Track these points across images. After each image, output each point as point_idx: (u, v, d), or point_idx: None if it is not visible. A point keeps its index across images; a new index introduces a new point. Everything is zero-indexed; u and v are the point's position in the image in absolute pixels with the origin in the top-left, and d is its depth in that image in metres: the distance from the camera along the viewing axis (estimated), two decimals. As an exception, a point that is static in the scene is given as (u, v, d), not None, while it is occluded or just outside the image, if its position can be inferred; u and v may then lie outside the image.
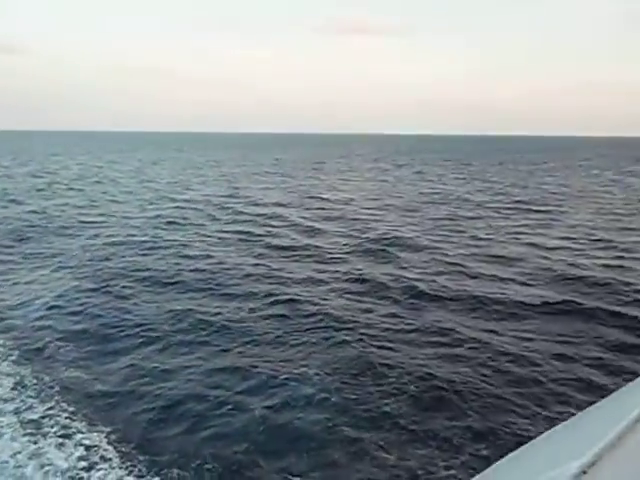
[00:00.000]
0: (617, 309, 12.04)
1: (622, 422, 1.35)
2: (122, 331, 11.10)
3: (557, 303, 12.44)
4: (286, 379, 8.87)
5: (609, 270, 15.30)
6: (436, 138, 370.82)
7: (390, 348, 10.04)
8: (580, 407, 7.74)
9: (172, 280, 14.58)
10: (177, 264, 16.23)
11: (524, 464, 1.52)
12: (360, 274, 15.04)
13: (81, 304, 12.77)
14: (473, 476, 1.57)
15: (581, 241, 19.54)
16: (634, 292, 13.24)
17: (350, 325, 11.12)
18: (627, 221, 24.08)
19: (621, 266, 15.76)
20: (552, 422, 7.36)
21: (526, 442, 1.75)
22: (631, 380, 2.17)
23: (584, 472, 1.18)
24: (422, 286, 13.76)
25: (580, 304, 12.32)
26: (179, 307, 12.37)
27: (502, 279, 14.60)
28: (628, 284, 13.82)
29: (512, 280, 14.47)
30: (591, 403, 2.11)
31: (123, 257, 17.23)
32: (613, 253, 17.52)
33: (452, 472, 6.55)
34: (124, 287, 13.97)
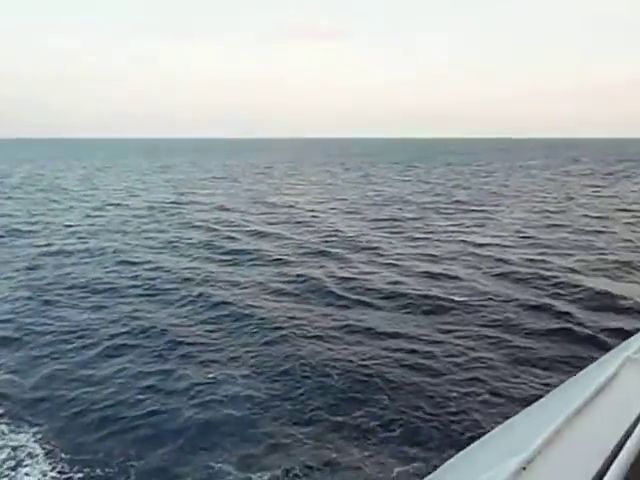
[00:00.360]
0: (537, 300, 12.84)
1: (560, 418, 1.39)
2: (54, 338, 11.06)
3: (482, 296, 13.16)
4: (215, 379, 9.11)
5: (532, 264, 16.22)
6: (387, 141, 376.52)
7: (319, 345, 10.38)
8: (508, 398, 8.37)
9: (108, 286, 14.54)
10: (115, 271, 16.19)
11: (472, 463, 1.53)
12: (298, 275, 15.39)
13: (12, 312, 12.62)
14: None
15: (511, 238, 20.55)
16: (553, 285, 14.13)
17: (283, 325, 11.43)
18: (556, 218, 25.41)
19: (543, 260, 16.73)
20: (474, 413, 7.93)
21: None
22: (570, 373, 2.43)
23: (523, 468, 1.21)
24: (356, 285, 14.24)
25: (504, 296, 13.09)
26: (113, 313, 12.40)
27: (434, 276, 15.25)
28: (548, 278, 14.73)
29: (444, 276, 15.14)
30: (529, 398, 2.44)
31: (60, 265, 17.02)
32: (538, 249, 18.51)
33: (371, 460, 6.95)
34: (58, 295, 13.85)
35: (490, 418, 7.70)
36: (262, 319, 11.79)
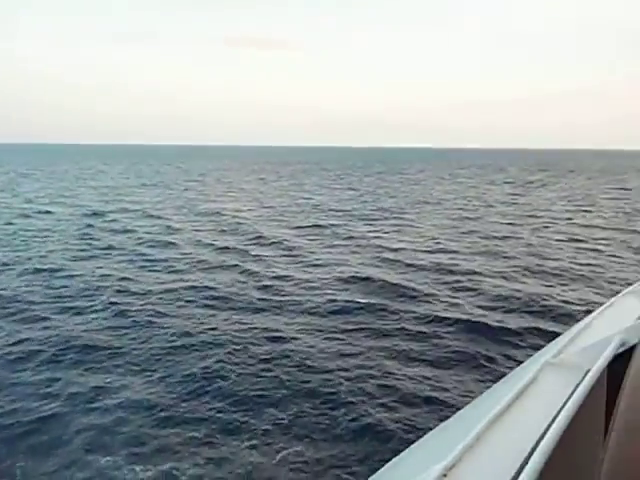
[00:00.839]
0: (442, 303, 13.60)
1: (482, 423, 1.39)
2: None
3: (388, 299, 13.78)
4: (113, 385, 9.16)
5: (440, 268, 17.11)
6: (325, 149, 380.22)
7: (226, 350, 10.57)
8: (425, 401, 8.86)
9: (14, 293, 14.20)
10: (26, 279, 15.78)
11: (400, 471, 1.52)
12: (214, 281, 15.57)
13: None
14: None
15: (426, 243, 21.50)
16: (456, 289, 14.98)
17: (192, 330, 11.58)
18: (471, 225, 26.77)
19: (451, 264, 17.67)
20: (392, 424, 8.36)
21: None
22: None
23: (444, 475, 1.21)
24: (270, 290, 14.62)
25: (408, 299, 13.80)
26: (19, 321, 12.18)
27: (346, 280, 15.78)
28: (451, 282, 15.59)
29: (356, 279, 15.71)
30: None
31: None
32: (448, 254, 19.47)
33: (262, 461, 7.26)
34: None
35: (402, 425, 8.12)
36: (171, 326, 11.88)
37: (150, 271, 17.19)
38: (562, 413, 1.34)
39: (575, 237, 23.41)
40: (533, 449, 1.23)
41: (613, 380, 1.62)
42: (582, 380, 1.56)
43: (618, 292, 2.84)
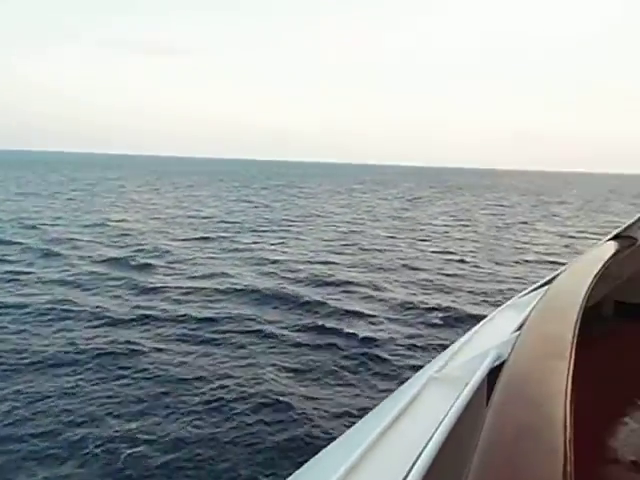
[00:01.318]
0: (318, 311, 14.06)
1: (367, 441, 1.37)
2: None
3: (264, 311, 14.04)
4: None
5: (315, 278, 17.66)
6: (229, 161, 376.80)
7: (76, 369, 10.24)
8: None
9: None
10: None
11: None
12: (74, 296, 14.97)
13: None
14: None
15: (307, 255, 22.05)
16: (329, 299, 15.54)
17: (43, 349, 11.08)
18: (353, 238, 27.80)
19: (331, 275, 18.29)
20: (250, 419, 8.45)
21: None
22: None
23: None
24: (143, 304, 14.32)
25: (282, 310, 14.10)
26: None
27: (220, 291, 15.84)
28: (326, 292, 16.16)
29: (232, 290, 15.82)
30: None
31: None
32: (325, 266, 20.12)
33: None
34: None
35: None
36: (23, 342, 11.33)
37: (13, 283, 16.20)
38: (440, 428, 1.36)
39: (447, 249, 25.09)
40: (414, 463, 1.23)
41: (491, 393, 1.61)
42: (461, 393, 1.59)
43: (499, 304, 2.97)
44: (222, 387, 9.38)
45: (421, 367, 2.23)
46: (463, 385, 1.66)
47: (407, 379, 2.14)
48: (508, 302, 3.03)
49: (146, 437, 7.88)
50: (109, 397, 9.07)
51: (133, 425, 8.20)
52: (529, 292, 3.27)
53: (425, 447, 1.27)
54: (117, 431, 8.00)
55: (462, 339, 2.30)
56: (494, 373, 1.67)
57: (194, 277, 17.77)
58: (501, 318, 2.62)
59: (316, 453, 1.60)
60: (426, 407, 1.61)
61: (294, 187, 79.46)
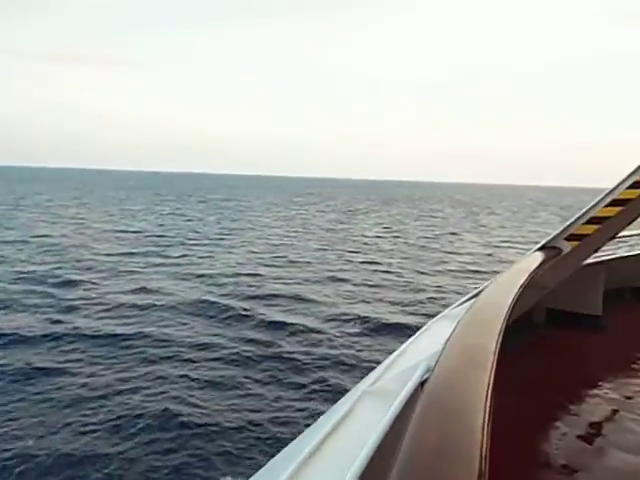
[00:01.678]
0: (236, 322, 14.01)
1: (301, 457, 1.38)
2: None
3: (182, 328, 13.90)
4: None
5: (240, 294, 17.64)
6: (168, 175, 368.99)
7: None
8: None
9: None
10: None
11: None
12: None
13: None
14: None
15: (233, 269, 21.95)
16: (254, 312, 15.55)
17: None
18: (284, 249, 27.97)
19: (258, 287, 18.31)
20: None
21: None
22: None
23: None
24: (41, 325, 13.86)
25: (204, 325, 13.99)
26: None
27: (138, 306, 15.57)
28: (242, 308, 16.17)
29: (151, 306, 15.56)
30: None
31: None
32: (254, 278, 20.14)
33: None
34: None
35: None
36: None
37: None
38: (370, 441, 1.38)
39: (375, 260, 25.66)
40: (346, 477, 1.25)
41: None
42: (392, 406, 1.61)
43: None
44: (125, 404, 9.23)
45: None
46: (394, 398, 1.68)
47: (338, 393, 2.24)
48: (442, 313, 3.11)
49: (42, 457, 7.67)
50: (8, 419, 8.77)
51: (30, 443, 7.96)
52: (463, 302, 3.41)
53: (355, 461, 1.29)
54: (10, 450, 7.74)
55: (396, 352, 2.33)
56: (425, 384, 1.68)
57: (115, 292, 17.36)
58: (434, 329, 2.69)
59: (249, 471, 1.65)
60: (358, 421, 1.63)
61: (233, 200, 78.94)
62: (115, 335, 12.97)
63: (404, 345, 2.42)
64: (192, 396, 9.79)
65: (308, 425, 1.81)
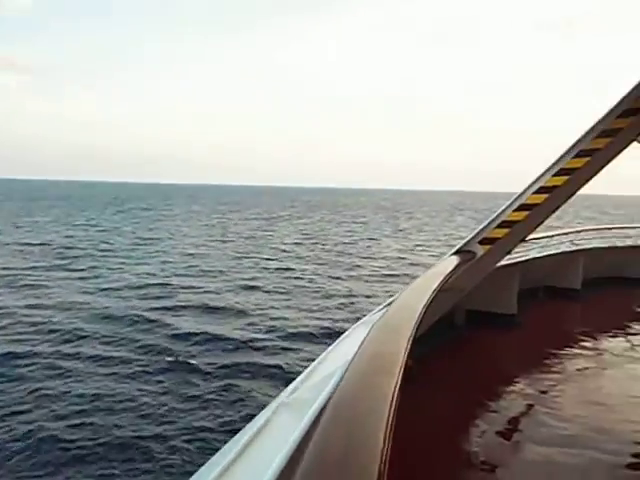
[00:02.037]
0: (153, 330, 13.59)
1: (217, 470, 1.38)
2: None
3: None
4: None
5: (149, 307, 17.18)
6: (94, 184, 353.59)
7: None
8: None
9: None
10: None
11: None
12: None
13: None
14: None
15: (138, 282, 21.31)
16: (165, 319, 15.15)
17: None
18: (201, 260, 27.50)
19: (164, 297, 17.86)
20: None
21: None
22: None
23: None
24: None
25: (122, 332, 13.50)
26: None
27: (33, 324, 14.82)
28: (157, 318, 15.76)
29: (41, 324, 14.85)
30: None
31: None
32: (160, 290, 19.66)
33: None
34: None
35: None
36: None
37: None
38: (282, 453, 1.37)
39: (289, 267, 25.73)
40: None
41: None
42: (306, 416, 1.60)
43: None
44: (6, 426, 8.75)
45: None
46: (309, 408, 1.68)
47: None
48: (361, 320, 3.14)
49: None
50: None
51: None
52: (381, 309, 3.43)
53: (267, 474, 1.30)
54: None
55: (316, 360, 2.34)
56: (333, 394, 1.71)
57: (8, 307, 16.37)
58: (353, 336, 2.70)
59: None
60: (274, 433, 1.63)
61: (153, 210, 76.75)
62: (3, 354, 12.26)
63: (324, 353, 2.43)
64: (80, 413, 9.41)
65: (227, 439, 1.79)
